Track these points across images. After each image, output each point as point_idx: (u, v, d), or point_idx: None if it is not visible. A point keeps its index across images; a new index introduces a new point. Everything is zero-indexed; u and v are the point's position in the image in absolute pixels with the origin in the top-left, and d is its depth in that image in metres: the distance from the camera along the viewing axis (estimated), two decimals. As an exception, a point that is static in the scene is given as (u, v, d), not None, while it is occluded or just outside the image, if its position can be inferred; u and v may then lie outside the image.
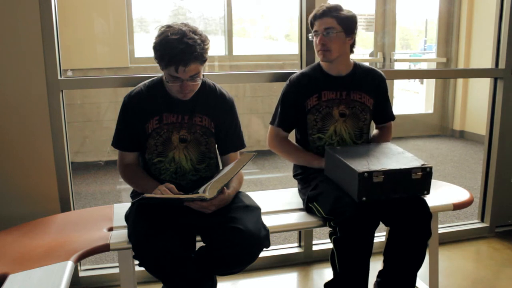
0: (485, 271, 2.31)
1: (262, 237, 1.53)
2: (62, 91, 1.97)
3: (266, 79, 2.28)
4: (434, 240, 1.97)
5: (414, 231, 1.70)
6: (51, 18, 1.89)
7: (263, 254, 1.67)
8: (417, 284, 1.94)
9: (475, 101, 5.34)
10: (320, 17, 1.89)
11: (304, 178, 1.97)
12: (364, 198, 1.64)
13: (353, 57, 2.01)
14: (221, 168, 1.82)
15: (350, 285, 1.69)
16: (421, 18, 6.40)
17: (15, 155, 1.95)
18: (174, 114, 1.71)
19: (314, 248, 2.43)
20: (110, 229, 1.73)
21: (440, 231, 2.43)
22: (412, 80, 6.97)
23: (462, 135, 5.53)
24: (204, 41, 1.60)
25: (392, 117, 2.11)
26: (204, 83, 1.75)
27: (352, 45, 1.95)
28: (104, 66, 4.34)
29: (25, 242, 1.62)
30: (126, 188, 1.86)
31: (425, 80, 6.07)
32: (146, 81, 1.78)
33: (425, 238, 1.72)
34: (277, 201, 2.02)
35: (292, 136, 2.05)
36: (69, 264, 1.42)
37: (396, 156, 1.78)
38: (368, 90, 1.98)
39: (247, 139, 1.85)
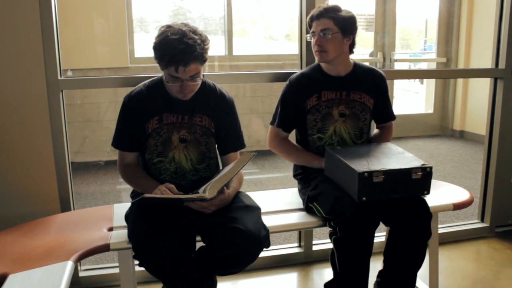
0: (485, 271, 2.31)
1: (262, 237, 1.53)
2: (62, 91, 1.97)
3: (266, 79, 2.29)
4: (434, 240, 1.97)
5: (414, 231, 1.70)
6: (51, 18, 1.89)
7: (263, 254, 1.67)
8: (417, 284, 1.94)
9: (475, 101, 5.34)
10: (317, 18, 1.89)
11: (304, 178, 1.97)
12: (364, 198, 1.64)
13: (353, 57, 2.01)
14: (221, 168, 1.82)
15: (350, 285, 1.69)
16: (421, 18, 6.39)
17: (15, 155, 1.95)
18: (174, 114, 1.71)
19: (314, 248, 2.43)
20: (110, 229, 1.73)
21: (440, 231, 2.43)
22: (412, 80, 6.96)
23: (462, 135, 5.53)
24: (204, 41, 1.60)
25: (392, 116, 2.11)
26: (204, 83, 1.75)
27: (352, 45, 1.95)
28: (104, 66, 4.33)
29: (25, 242, 1.62)
30: (126, 188, 1.86)
31: (425, 80, 6.07)
32: (146, 81, 1.78)
33: (425, 238, 1.72)
34: (277, 201, 2.02)
35: (292, 136, 2.05)
36: (69, 264, 1.42)
37: (396, 156, 1.78)
38: (368, 90, 1.98)
39: (247, 139, 1.85)
